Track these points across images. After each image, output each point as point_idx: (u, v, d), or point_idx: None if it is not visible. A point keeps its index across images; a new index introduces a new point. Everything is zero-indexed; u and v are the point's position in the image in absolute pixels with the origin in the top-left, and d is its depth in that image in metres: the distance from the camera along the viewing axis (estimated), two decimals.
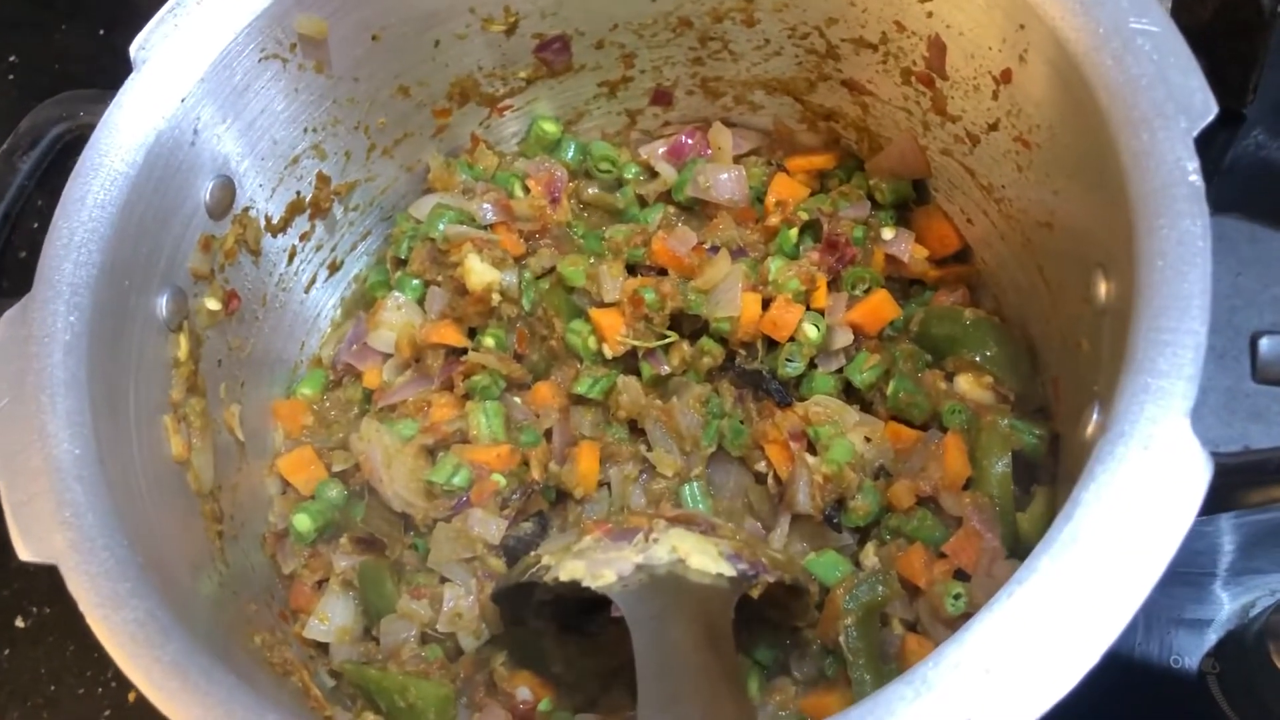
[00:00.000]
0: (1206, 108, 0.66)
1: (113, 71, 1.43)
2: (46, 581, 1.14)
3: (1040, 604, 0.56)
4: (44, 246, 0.76)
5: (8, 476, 0.69)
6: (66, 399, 0.72)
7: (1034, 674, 0.55)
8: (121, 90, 0.81)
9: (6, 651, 1.14)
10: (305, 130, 0.93)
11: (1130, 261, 0.65)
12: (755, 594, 0.76)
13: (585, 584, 0.74)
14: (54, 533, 0.67)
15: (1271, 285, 0.66)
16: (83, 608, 0.65)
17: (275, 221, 0.95)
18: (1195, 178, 0.64)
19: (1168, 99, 0.66)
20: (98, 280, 0.76)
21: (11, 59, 1.50)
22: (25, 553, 0.67)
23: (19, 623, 1.15)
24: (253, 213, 0.92)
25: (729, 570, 0.75)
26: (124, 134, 0.80)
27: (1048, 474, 0.88)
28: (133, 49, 0.82)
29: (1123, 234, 0.66)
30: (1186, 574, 1.06)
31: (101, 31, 1.51)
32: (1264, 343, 0.65)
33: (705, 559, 0.74)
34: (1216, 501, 0.72)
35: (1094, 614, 0.56)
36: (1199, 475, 0.58)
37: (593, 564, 0.75)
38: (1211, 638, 1.03)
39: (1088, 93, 0.69)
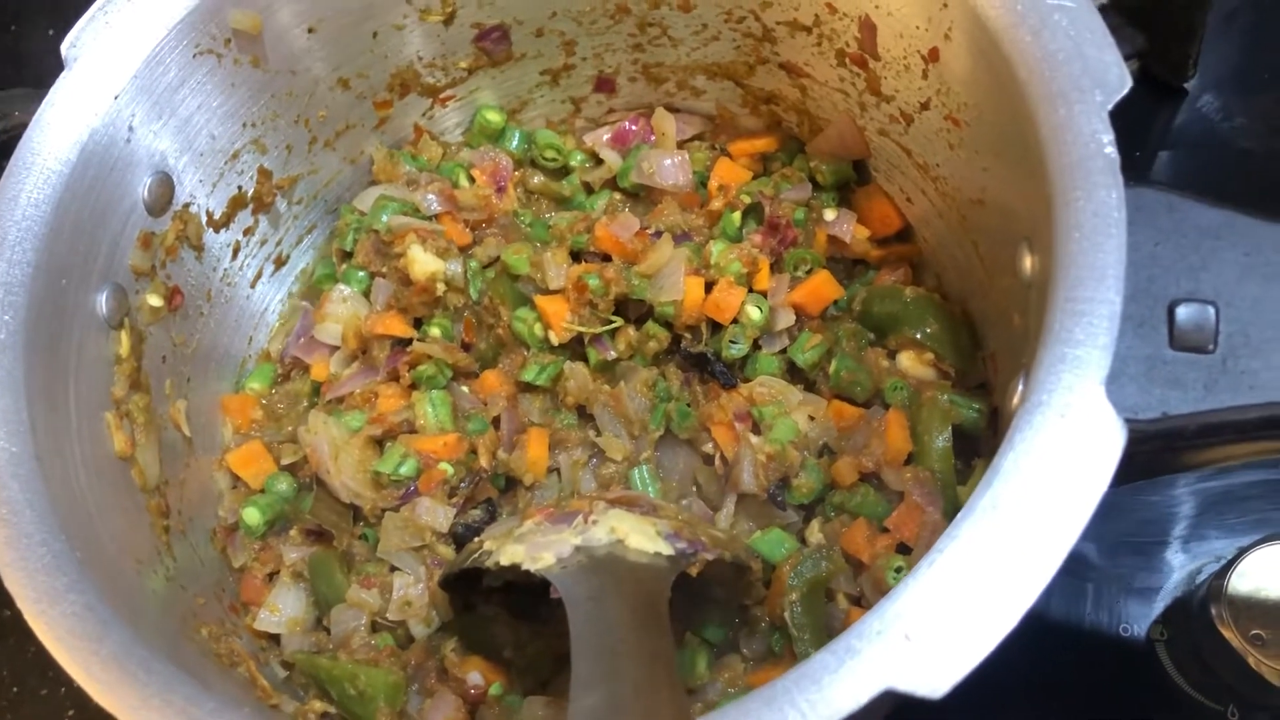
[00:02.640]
0: (1121, 82, 0.67)
1: (41, 63, 1.42)
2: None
3: (959, 570, 0.57)
4: None
5: None
6: (2, 398, 0.72)
7: (954, 638, 0.56)
8: (53, 88, 0.81)
9: None
10: (244, 125, 0.93)
11: (1051, 234, 0.66)
12: (694, 572, 0.77)
13: (525, 567, 0.75)
14: None
15: (1189, 254, 0.67)
16: (20, 604, 0.66)
17: (217, 217, 0.95)
18: (1110, 150, 0.65)
19: (1083, 74, 0.67)
20: (33, 279, 0.76)
21: None
22: None
23: None
24: (193, 208, 0.92)
25: (667, 549, 0.76)
26: (57, 132, 0.80)
27: (988, 447, 0.89)
28: (64, 47, 0.82)
29: (1044, 207, 0.67)
30: (1135, 543, 1.07)
31: (51, 31, 1.50)
32: (1181, 310, 0.66)
33: (643, 539, 0.75)
34: (1145, 467, 0.74)
35: (1012, 578, 0.57)
36: (1114, 442, 0.59)
37: (532, 547, 0.76)
38: (1159, 605, 1.05)
39: (1008, 69, 0.70)
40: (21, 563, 0.67)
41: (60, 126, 0.80)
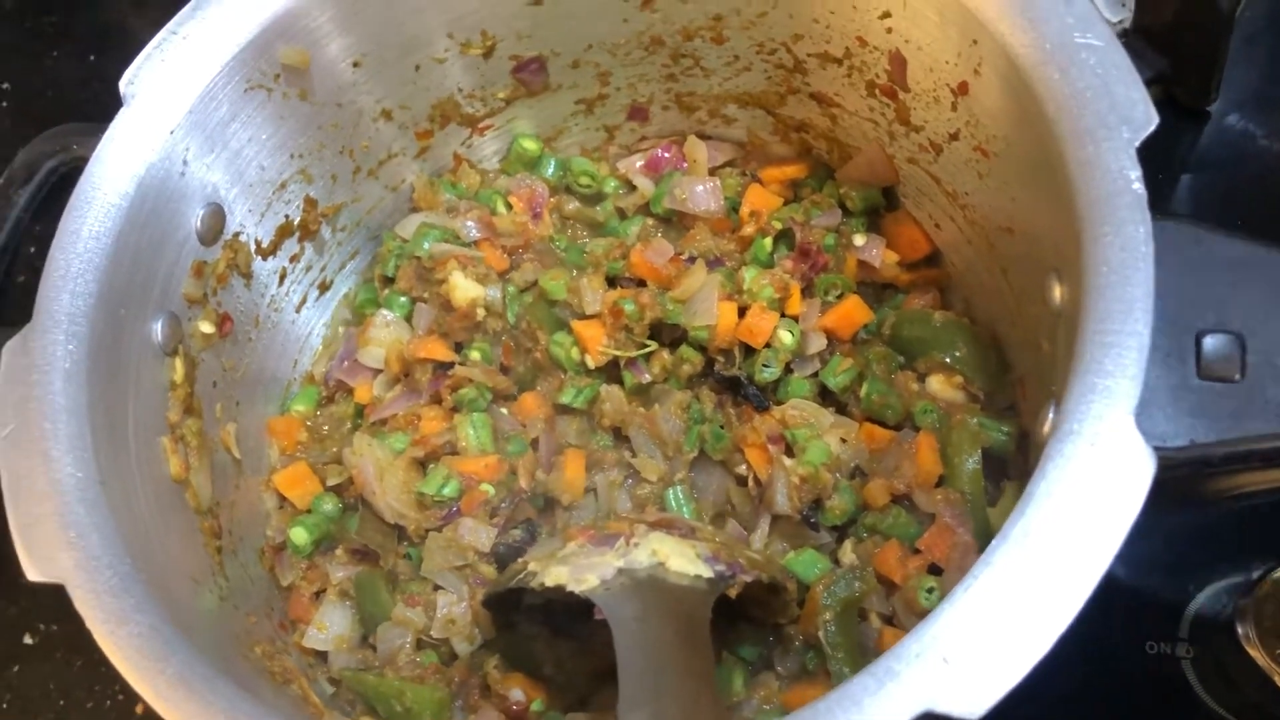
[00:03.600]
0: (1148, 119, 0.69)
1: (103, 97, 1.45)
2: (54, 599, 1.16)
3: (995, 595, 0.59)
4: (42, 278, 0.79)
5: (14, 500, 0.72)
6: (68, 425, 0.75)
7: (990, 661, 0.58)
8: (112, 125, 0.84)
9: (16, 668, 1.17)
10: (291, 156, 0.96)
11: (1080, 266, 0.68)
12: (733, 594, 0.79)
13: (569, 588, 0.78)
14: (60, 553, 0.70)
15: (1215, 285, 0.69)
16: (89, 624, 0.68)
17: (265, 245, 0.98)
18: (1138, 186, 0.67)
19: (1111, 110, 0.69)
20: (94, 309, 0.79)
21: (4, 86, 1.53)
22: (33, 573, 0.70)
23: (27, 639, 1.18)
24: (243, 237, 0.95)
25: (706, 571, 0.78)
26: (116, 167, 0.83)
27: (1017, 470, 0.91)
28: (122, 84, 0.85)
29: (1072, 240, 0.69)
30: (1162, 561, 1.09)
31: (92, 58, 1.53)
32: (1208, 341, 0.68)
33: (684, 561, 0.77)
34: (1174, 494, 0.76)
35: (1046, 603, 0.59)
36: (1144, 470, 0.61)
37: (576, 569, 0.78)
38: (1186, 624, 1.06)
39: (1036, 105, 0.72)
40: (90, 585, 0.69)
41: (119, 162, 0.83)
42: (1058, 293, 0.75)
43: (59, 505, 0.72)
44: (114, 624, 0.68)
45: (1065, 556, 0.60)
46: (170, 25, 0.86)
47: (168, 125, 0.85)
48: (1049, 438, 0.64)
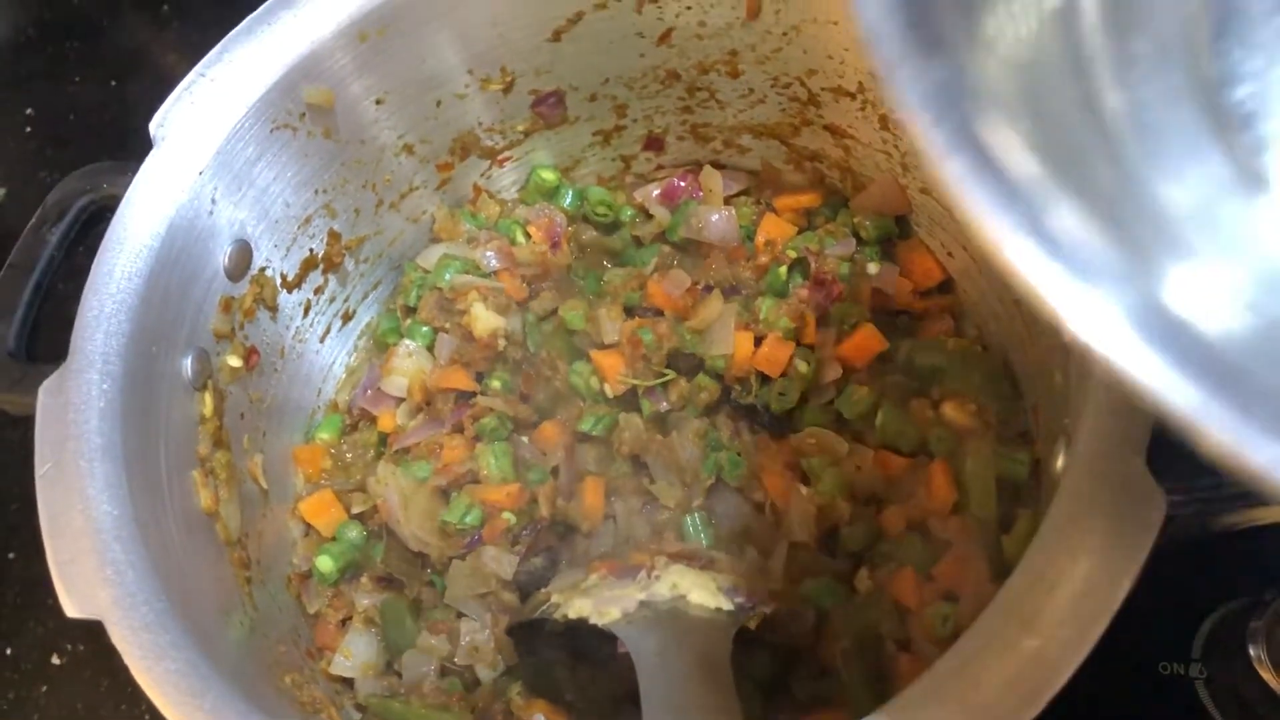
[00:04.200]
0: None
1: (124, 122, 1.48)
2: (80, 621, 1.20)
3: (1009, 631, 0.61)
4: (77, 318, 0.81)
5: (53, 538, 0.74)
6: (103, 464, 0.77)
7: (1006, 696, 0.59)
8: (143, 167, 0.86)
9: (44, 689, 1.18)
10: (316, 192, 0.98)
11: None
12: (753, 625, 0.81)
13: (592, 621, 0.79)
14: (98, 590, 0.72)
15: None
16: (127, 660, 0.70)
17: (290, 278, 1.00)
18: None
19: None
20: (127, 348, 0.81)
21: (28, 111, 1.55)
22: (72, 609, 0.72)
23: (55, 660, 1.19)
24: (269, 272, 0.97)
25: (727, 604, 0.80)
26: (147, 208, 0.85)
27: (1031, 497, 0.92)
28: (152, 126, 0.87)
29: None
30: (1174, 581, 1.09)
31: (113, 83, 1.56)
32: None
33: (705, 594, 0.79)
34: (1185, 529, 0.77)
35: (1059, 640, 0.60)
36: (1155, 509, 0.62)
37: (599, 601, 0.80)
38: (1199, 644, 1.07)
39: None
40: (127, 621, 0.71)
41: (150, 203, 0.85)
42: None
43: (96, 543, 0.74)
44: (151, 660, 0.70)
45: (1078, 594, 0.61)
46: (198, 68, 0.88)
47: (196, 166, 0.87)
48: (1062, 476, 0.66)
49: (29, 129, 1.54)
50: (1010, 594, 0.62)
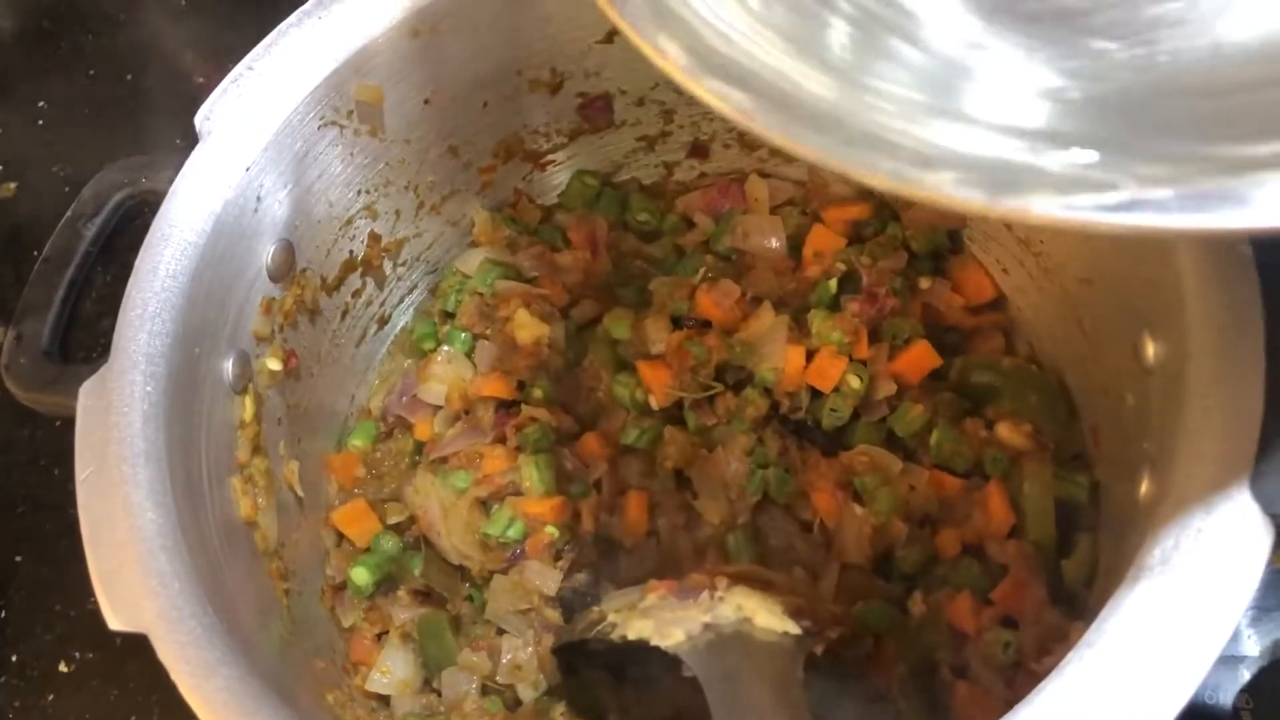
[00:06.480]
0: None
1: (140, 115, 1.45)
2: (89, 627, 1.16)
3: (1104, 673, 0.58)
4: (119, 316, 0.78)
5: (95, 546, 0.71)
6: (147, 469, 0.73)
7: None
8: (189, 161, 0.83)
9: (51, 697, 1.15)
10: (359, 192, 0.96)
11: (1180, 326, 0.67)
12: (819, 650, 0.78)
13: (654, 643, 0.76)
14: (143, 601, 0.69)
15: None
16: (174, 676, 0.67)
17: (330, 281, 0.97)
18: (1244, 245, 0.67)
19: None
20: (171, 349, 0.78)
21: (42, 104, 1.52)
22: (115, 622, 0.68)
23: (62, 668, 1.16)
24: (310, 273, 0.94)
25: (794, 628, 0.77)
26: (192, 204, 0.81)
27: (1089, 520, 0.90)
28: (198, 119, 0.84)
29: (1172, 298, 0.68)
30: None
31: (129, 76, 1.53)
32: None
33: (771, 617, 0.76)
34: None
35: (1158, 683, 0.57)
36: (1261, 539, 0.60)
37: (660, 623, 0.77)
38: (1245, 674, 1.05)
39: None
40: (173, 636, 0.68)
41: (196, 198, 0.82)
42: (1151, 350, 0.74)
43: (140, 552, 0.70)
44: (200, 676, 0.66)
45: (1179, 632, 0.58)
46: (246, 60, 0.85)
47: (244, 162, 0.84)
48: (1155, 505, 0.63)
49: (42, 122, 1.51)
50: (1104, 631, 0.59)
